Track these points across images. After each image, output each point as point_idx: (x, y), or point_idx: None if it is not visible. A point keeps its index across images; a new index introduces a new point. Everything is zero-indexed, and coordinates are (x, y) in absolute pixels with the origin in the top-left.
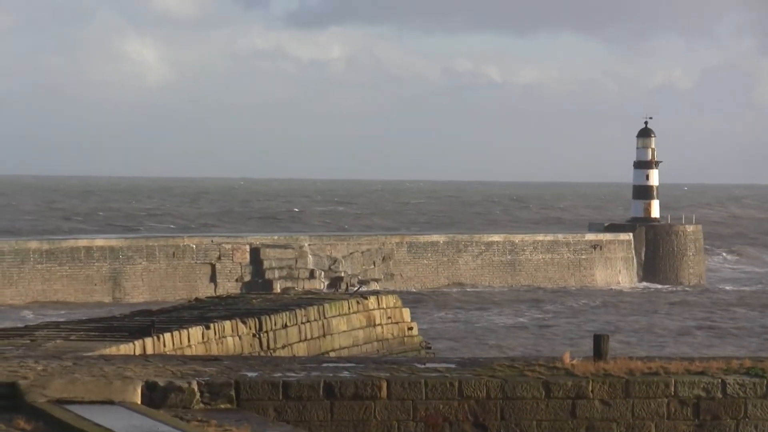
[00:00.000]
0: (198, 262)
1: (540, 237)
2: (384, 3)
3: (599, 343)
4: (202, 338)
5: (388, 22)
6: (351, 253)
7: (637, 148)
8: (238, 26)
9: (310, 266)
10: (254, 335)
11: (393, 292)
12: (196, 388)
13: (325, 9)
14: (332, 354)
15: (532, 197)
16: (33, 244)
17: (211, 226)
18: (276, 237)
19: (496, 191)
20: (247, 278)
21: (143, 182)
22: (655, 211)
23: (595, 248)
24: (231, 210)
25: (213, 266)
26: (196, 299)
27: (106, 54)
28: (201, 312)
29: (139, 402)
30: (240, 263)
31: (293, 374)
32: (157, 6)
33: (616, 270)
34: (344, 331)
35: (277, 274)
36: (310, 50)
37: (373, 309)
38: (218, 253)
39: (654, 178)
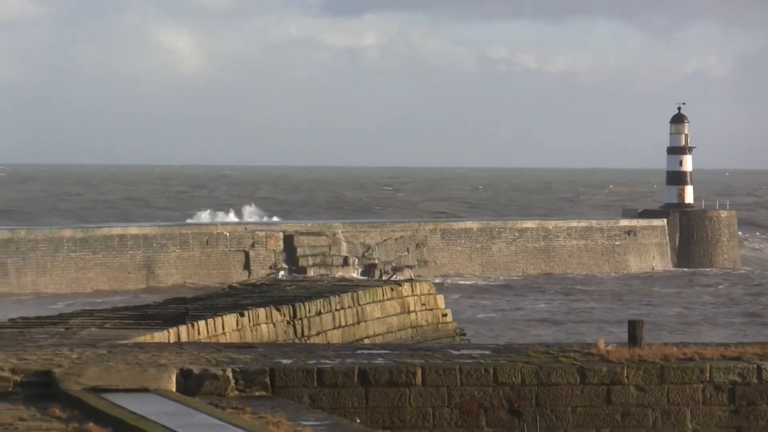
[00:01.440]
0: (232, 249)
1: (574, 223)
2: None
3: (634, 329)
4: (237, 326)
5: (423, 10)
6: (384, 240)
7: (670, 134)
8: (274, 15)
9: (344, 253)
10: (288, 322)
11: (426, 279)
12: (230, 375)
13: None
14: (366, 341)
15: (577, 183)
16: (67, 233)
17: (296, 214)
18: (309, 224)
19: (544, 178)
20: (281, 265)
21: (189, 170)
22: (689, 197)
23: (629, 234)
24: (312, 199)
25: (247, 254)
26: (230, 287)
27: (141, 44)
28: (235, 299)
29: (173, 390)
30: (274, 250)
31: (328, 361)
32: None
33: (650, 256)
34: (378, 318)
35: (310, 261)
36: (344, 38)
37: (407, 296)
38: (252, 240)
39: (687, 163)
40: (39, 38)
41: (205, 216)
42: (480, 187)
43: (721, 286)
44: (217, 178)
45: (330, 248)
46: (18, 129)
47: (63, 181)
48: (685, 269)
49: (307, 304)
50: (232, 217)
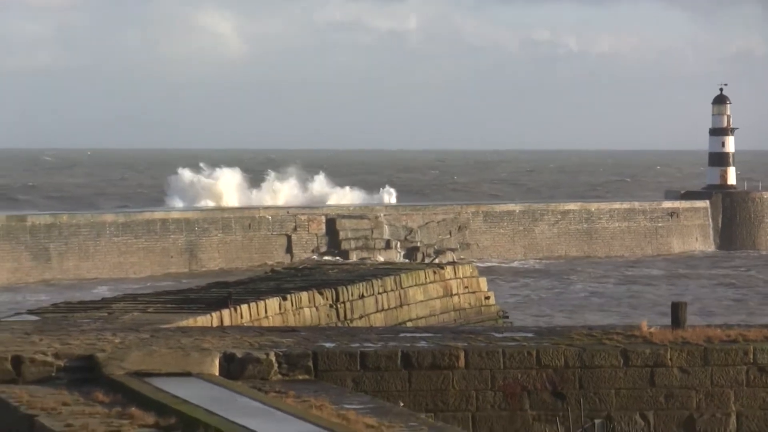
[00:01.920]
0: (274, 233)
1: (616, 205)
2: None
3: (677, 310)
4: (279, 309)
5: None
6: (426, 223)
7: (713, 115)
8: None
9: (386, 236)
10: (331, 306)
11: (469, 262)
12: (273, 359)
13: None
14: (409, 324)
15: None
16: (109, 217)
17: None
18: (351, 207)
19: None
20: (323, 249)
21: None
22: (732, 178)
23: (671, 216)
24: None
25: (289, 237)
26: (273, 270)
27: (183, 27)
28: (277, 283)
29: (216, 373)
30: (316, 234)
31: (370, 344)
32: None
33: (693, 238)
34: (421, 301)
35: (353, 244)
36: (388, 20)
37: (450, 279)
38: (294, 224)
39: (730, 144)
40: (80, 22)
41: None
42: (529, 170)
43: (763, 267)
44: (265, 162)
45: (372, 231)
46: (57, 114)
47: (108, 166)
48: (728, 251)
49: (349, 287)
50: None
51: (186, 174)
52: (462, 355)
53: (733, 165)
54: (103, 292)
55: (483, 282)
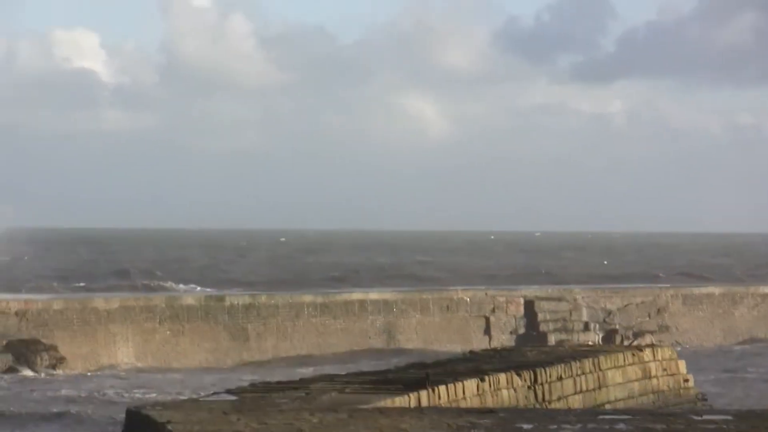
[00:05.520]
0: (472, 315)
1: None
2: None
3: None
4: (477, 390)
5: (673, 75)
6: (625, 306)
7: None
8: (522, 81)
9: (584, 318)
10: (529, 387)
11: (668, 345)
12: None
13: (613, 61)
14: (608, 406)
15: None
16: (307, 298)
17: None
18: (549, 290)
19: None
20: (522, 331)
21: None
22: None
23: None
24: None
25: (487, 319)
26: (471, 352)
27: (386, 112)
28: (476, 364)
29: None
30: (514, 316)
31: (569, 426)
32: (442, 63)
33: None
34: (620, 384)
35: (551, 326)
36: (592, 104)
37: (649, 361)
38: (492, 305)
39: None
40: (284, 105)
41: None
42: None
43: None
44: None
45: (571, 313)
46: (264, 194)
47: (319, 246)
48: None
49: (548, 369)
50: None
51: None
52: None
53: None
54: (301, 372)
55: (682, 364)
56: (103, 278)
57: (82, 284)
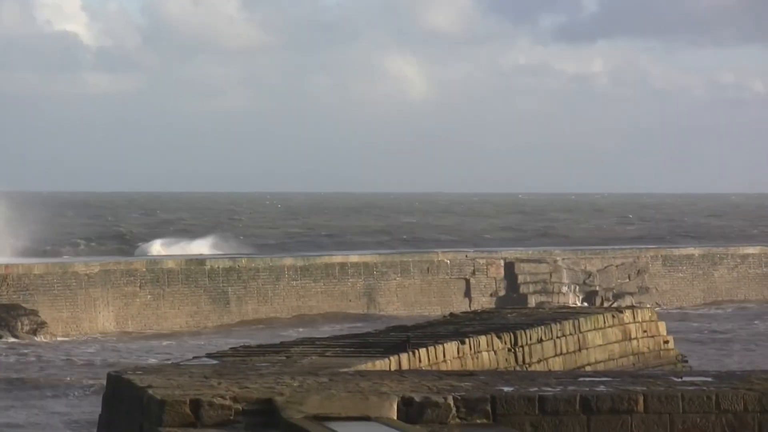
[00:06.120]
0: (452, 277)
1: None
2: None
3: None
4: (458, 353)
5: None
6: (605, 267)
7: None
8: (505, 42)
9: (565, 280)
10: (509, 350)
11: (647, 306)
12: (452, 403)
13: (594, 22)
14: (588, 368)
15: None
16: (288, 261)
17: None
18: (530, 251)
19: None
20: (502, 293)
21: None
22: None
23: None
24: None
25: (467, 281)
26: (451, 314)
27: (370, 73)
28: (456, 327)
29: (395, 417)
30: (494, 278)
31: (549, 389)
32: (425, 24)
33: None
34: (600, 345)
35: (531, 288)
36: (575, 65)
37: (629, 323)
38: (473, 268)
39: None
40: (267, 66)
41: None
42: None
43: None
44: (480, 204)
45: (551, 275)
46: (248, 157)
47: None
48: None
49: (528, 331)
50: None
51: None
52: (641, 399)
53: None
54: (281, 335)
55: (662, 326)
56: (99, 241)
57: (81, 247)
